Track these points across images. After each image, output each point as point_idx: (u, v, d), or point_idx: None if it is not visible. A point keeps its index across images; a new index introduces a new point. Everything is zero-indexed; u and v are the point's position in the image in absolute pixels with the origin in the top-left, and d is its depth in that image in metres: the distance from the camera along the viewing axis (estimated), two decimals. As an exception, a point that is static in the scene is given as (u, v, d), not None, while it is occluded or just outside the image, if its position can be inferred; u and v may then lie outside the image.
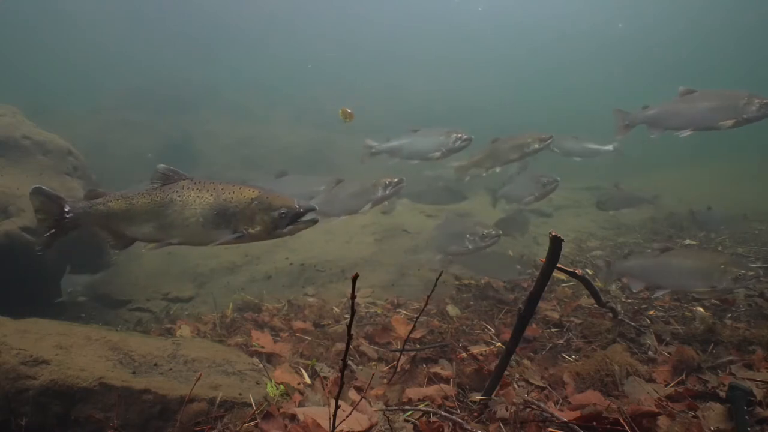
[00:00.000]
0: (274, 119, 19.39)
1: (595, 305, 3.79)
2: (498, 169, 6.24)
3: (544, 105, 26.83)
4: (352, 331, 1.94)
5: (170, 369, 2.86)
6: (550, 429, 2.32)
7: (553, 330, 4.00)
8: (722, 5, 29.42)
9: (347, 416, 2.21)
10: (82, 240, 5.77)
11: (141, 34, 32.28)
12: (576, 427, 2.24)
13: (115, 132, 14.40)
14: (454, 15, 37.78)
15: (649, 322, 4.04)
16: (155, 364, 2.87)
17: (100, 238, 6.54)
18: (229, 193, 3.06)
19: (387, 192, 5.38)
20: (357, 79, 26.46)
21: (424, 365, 3.25)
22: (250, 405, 2.66)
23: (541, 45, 35.47)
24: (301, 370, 3.26)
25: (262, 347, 3.62)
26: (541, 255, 3.31)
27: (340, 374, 1.81)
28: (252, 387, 2.85)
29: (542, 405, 2.49)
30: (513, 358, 3.09)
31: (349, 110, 4.92)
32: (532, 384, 2.99)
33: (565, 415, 2.34)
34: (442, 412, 2.49)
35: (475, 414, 2.57)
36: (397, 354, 3.34)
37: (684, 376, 3.01)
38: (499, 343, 3.71)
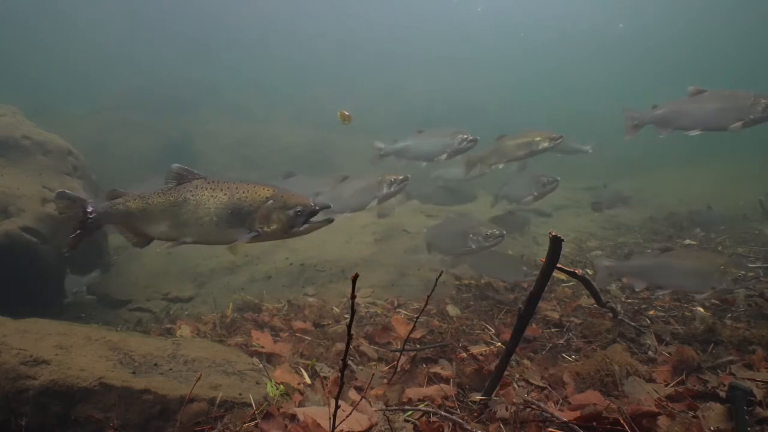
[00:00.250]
0: (274, 119, 19.38)
1: (595, 305, 3.79)
2: (501, 166, 6.24)
3: (544, 105, 26.83)
4: (352, 331, 1.94)
5: (170, 369, 2.86)
6: (550, 429, 2.32)
7: (553, 330, 4.00)
8: (722, 5, 29.40)
9: (347, 416, 2.21)
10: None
11: (141, 34, 32.27)
12: (576, 427, 2.24)
13: (115, 132, 14.40)
14: (453, 15, 37.77)
15: (649, 322, 4.04)
16: (155, 364, 2.87)
17: (100, 239, 6.56)
18: (244, 192, 3.08)
19: (392, 189, 5.39)
20: (357, 79, 26.46)
21: (424, 365, 3.25)
22: (250, 405, 2.66)
23: (541, 45, 35.46)
24: (301, 370, 3.26)
25: (262, 347, 3.62)
26: (541, 255, 3.31)
27: (340, 374, 1.81)
28: (252, 387, 2.85)
29: (542, 405, 2.49)
30: (513, 358, 3.09)
31: (346, 113, 4.94)
32: (532, 384, 2.99)
33: (565, 415, 2.34)
34: (442, 412, 2.49)
35: (475, 414, 2.57)
36: (397, 354, 3.34)
37: (684, 376, 3.01)
38: (499, 343, 3.71)
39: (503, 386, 2.71)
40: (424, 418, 2.50)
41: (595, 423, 2.26)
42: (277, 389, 2.87)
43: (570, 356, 3.53)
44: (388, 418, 2.45)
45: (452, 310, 4.55)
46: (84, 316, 5.54)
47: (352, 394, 2.85)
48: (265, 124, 18.46)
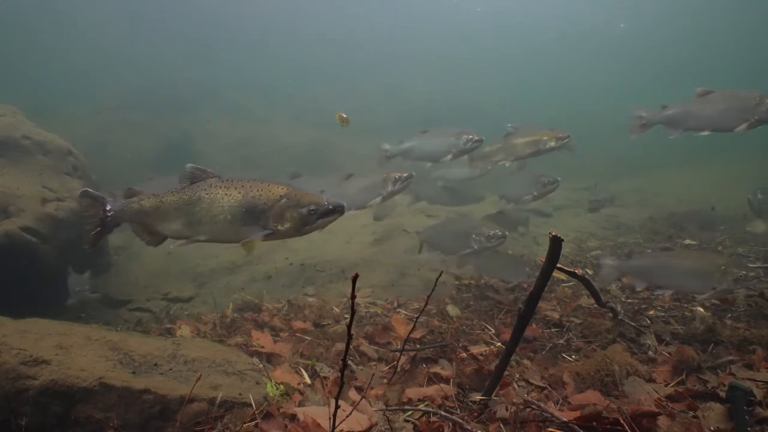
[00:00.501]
0: (274, 119, 19.38)
1: (595, 305, 3.78)
2: (508, 164, 6.24)
3: (545, 105, 26.83)
4: (352, 331, 1.94)
5: (170, 369, 2.86)
6: (550, 429, 2.32)
7: (553, 330, 4.00)
8: (722, 5, 29.39)
9: (347, 416, 2.21)
10: (82, 240, 5.76)
11: (141, 34, 32.25)
12: (576, 427, 2.24)
13: (115, 132, 14.39)
14: (453, 15, 37.76)
15: (649, 322, 4.04)
16: (155, 364, 2.87)
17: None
18: (258, 191, 3.14)
19: (396, 187, 5.40)
20: (357, 79, 26.45)
21: (424, 365, 3.25)
22: (250, 405, 2.66)
23: (541, 45, 35.46)
24: (301, 370, 3.26)
25: (262, 347, 3.62)
26: (541, 255, 3.31)
27: (340, 374, 1.81)
28: (252, 387, 2.85)
29: (542, 405, 2.49)
30: (513, 358, 3.09)
31: (344, 115, 4.98)
32: (532, 384, 2.99)
33: (565, 415, 2.34)
34: (442, 412, 2.49)
35: (475, 414, 2.57)
36: (397, 354, 3.34)
37: (684, 376, 3.01)
38: (499, 343, 3.71)
39: (503, 386, 2.71)
40: (424, 418, 2.50)
41: (595, 423, 2.26)
42: (277, 389, 2.87)
43: (570, 356, 3.53)
44: (388, 418, 2.45)
45: (452, 310, 4.55)
46: (84, 316, 5.54)
47: (352, 394, 2.85)
48: (265, 124, 18.46)
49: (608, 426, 2.24)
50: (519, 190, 6.85)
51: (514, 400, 2.60)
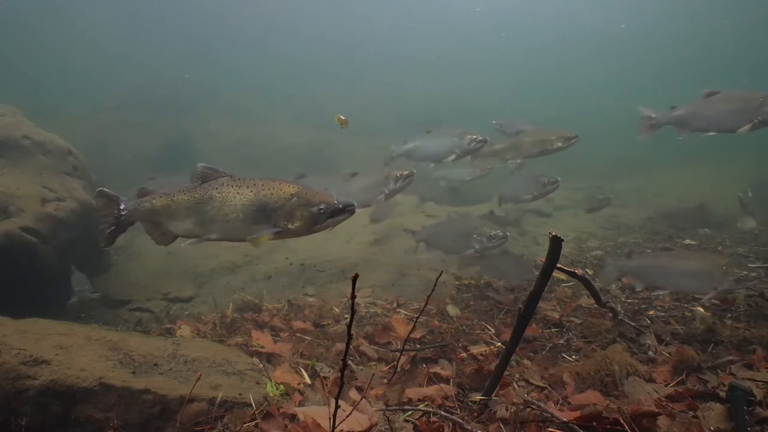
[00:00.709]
0: (274, 119, 19.38)
1: (595, 305, 3.78)
2: (519, 161, 6.26)
3: (545, 105, 26.81)
4: (352, 331, 1.94)
5: (170, 369, 2.86)
6: (550, 429, 2.32)
7: (553, 330, 4.00)
8: (722, 5, 29.39)
9: (347, 416, 2.21)
10: (82, 240, 5.77)
11: (141, 34, 32.24)
12: (576, 427, 2.24)
13: (115, 132, 14.39)
14: (453, 15, 37.75)
15: (649, 322, 4.04)
16: (155, 364, 2.87)
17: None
18: (269, 189, 3.15)
19: (398, 185, 5.41)
20: (357, 79, 26.44)
21: (424, 365, 3.25)
22: (250, 405, 2.66)
23: (541, 45, 35.46)
24: (301, 370, 3.26)
25: (262, 347, 3.62)
26: (541, 255, 3.31)
27: (340, 374, 1.81)
28: (252, 387, 2.85)
29: (542, 405, 2.49)
30: (513, 358, 3.09)
31: (343, 117, 4.99)
32: (532, 384, 2.99)
33: (565, 415, 2.34)
34: (442, 412, 2.49)
35: (475, 414, 2.57)
36: (397, 354, 3.34)
37: (684, 376, 3.01)
38: (499, 343, 3.71)
39: (503, 386, 2.71)
40: (424, 418, 2.50)
41: (595, 423, 2.26)
42: (277, 389, 2.87)
43: (570, 356, 3.53)
44: (388, 418, 2.45)
45: (452, 310, 4.55)
46: (84, 316, 5.54)
47: (352, 394, 2.85)
48: (265, 124, 18.45)
49: (608, 426, 2.24)
50: (519, 190, 6.85)
51: (514, 400, 2.60)
